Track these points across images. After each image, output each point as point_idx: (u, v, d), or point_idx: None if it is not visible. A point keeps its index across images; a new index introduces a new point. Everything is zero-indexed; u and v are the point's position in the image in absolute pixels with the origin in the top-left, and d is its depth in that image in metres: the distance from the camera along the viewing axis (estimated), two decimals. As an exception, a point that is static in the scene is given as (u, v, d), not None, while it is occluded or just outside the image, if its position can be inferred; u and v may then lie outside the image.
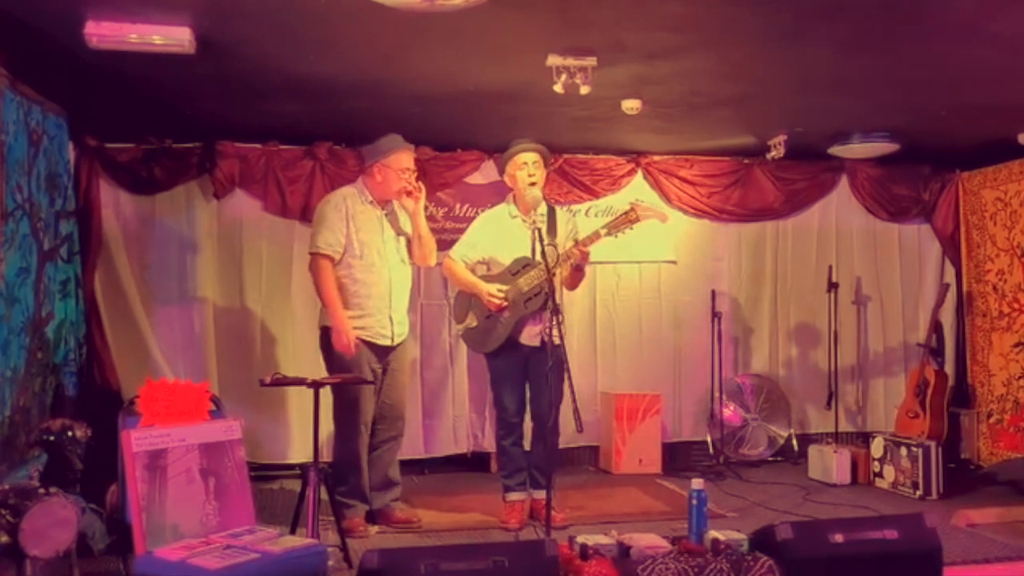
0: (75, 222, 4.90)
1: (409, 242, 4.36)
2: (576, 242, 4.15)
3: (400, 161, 4.21)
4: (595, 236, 4.11)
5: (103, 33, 3.31)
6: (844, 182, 6.21)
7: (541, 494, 4.13)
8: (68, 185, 4.82)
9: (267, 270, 5.45)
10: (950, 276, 6.24)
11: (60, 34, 3.39)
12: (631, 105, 4.46)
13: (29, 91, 4.07)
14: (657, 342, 6.06)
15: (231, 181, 5.30)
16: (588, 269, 4.48)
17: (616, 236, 4.14)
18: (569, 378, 3.62)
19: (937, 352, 5.83)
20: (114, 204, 5.18)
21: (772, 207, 6.13)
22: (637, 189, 5.89)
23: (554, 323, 3.75)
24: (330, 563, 3.17)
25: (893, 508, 4.62)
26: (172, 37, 3.34)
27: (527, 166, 4.23)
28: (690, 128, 5.24)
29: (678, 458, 5.95)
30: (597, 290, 5.93)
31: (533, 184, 4.20)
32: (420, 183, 4.29)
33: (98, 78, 3.98)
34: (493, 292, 4.20)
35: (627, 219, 4.11)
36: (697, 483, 3.19)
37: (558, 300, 3.79)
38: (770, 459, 6.01)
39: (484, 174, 5.70)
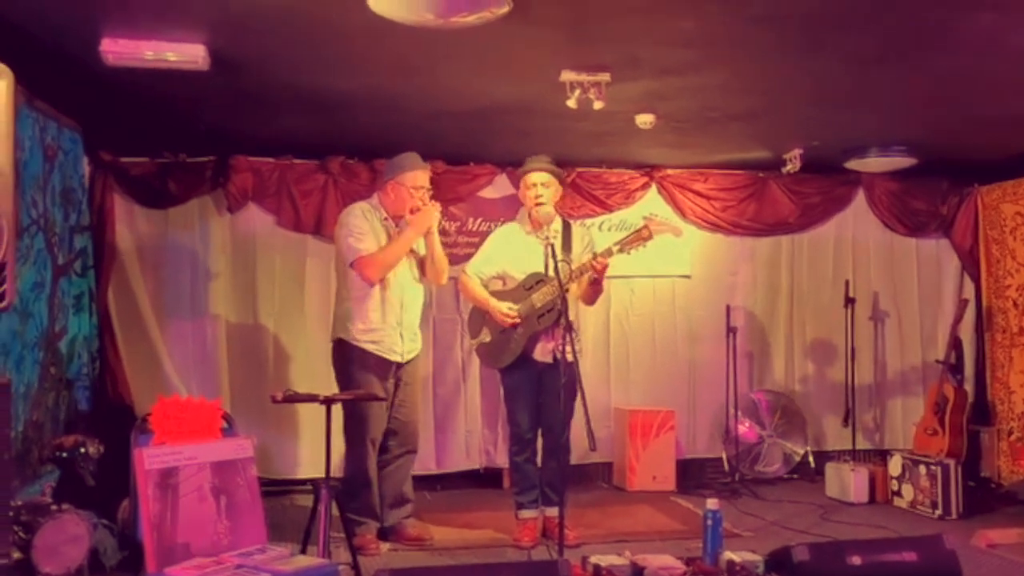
0: (89, 236, 4.93)
1: (421, 260, 4.35)
2: (595, 255, 4.13)
3: (414, 179, 4.20)
4: (607, 253, 4.09)
5: (119, 50, 3.33)
6: (861, 196, 6.16)
7: (554, 511, 4.09)
8: (83, 200, 4.84)
9: (280, 284, 5.46)
10: (969, 291, 6.16)
11: (76, 51, 3.41)
12: (645, 120, 4.45)
13: (45, 107, 4.10)
14: (671, 357, 6.02)
15: (244, 195, 5.31)
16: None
17: (628, 253, 4.12)
18: (583, 396, 3.58)
19: (956, 369, 5.74)
20: (128, 218, 5.20)
21: (788, 221, 6.09)
22: (651, 203, 5.86)
23: (568, 340, 3.72)
24: (341, 582, 3.15)
25: (912, 528, 4.55)
26: (186, 54, 3.37)
27: (535, 187, 4.24)
28: (704, 142, 5.21)
29: (693, 475, 5.89)
30: (611, 305, 5.89)
31: (540, 204, 4.20)
32: (435, 202, 4.27)
33: (113, 94, 4.00)
34: (504, 310, 4.19)
35: (639, 236, 4.10)
36: (712, 503, 3.15)
37: (572, 317, 3.76)
38: (786, 476, 5.95)
39: (497, 188, 5.69)
